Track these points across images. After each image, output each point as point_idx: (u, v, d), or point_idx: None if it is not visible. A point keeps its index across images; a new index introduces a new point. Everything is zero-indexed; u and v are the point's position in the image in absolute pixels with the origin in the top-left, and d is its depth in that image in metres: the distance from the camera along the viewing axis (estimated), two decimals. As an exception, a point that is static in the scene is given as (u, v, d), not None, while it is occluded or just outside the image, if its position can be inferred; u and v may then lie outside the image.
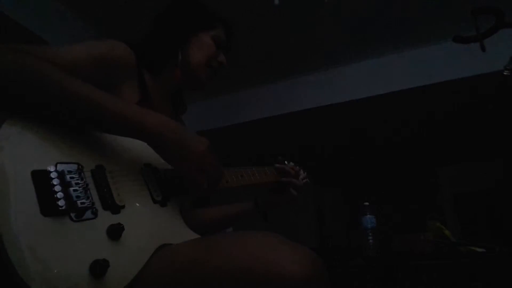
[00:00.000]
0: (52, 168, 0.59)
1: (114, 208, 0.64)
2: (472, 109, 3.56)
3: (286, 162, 1.22)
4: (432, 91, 3.08)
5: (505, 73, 1.42)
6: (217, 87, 3.36)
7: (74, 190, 0.60)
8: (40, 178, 0.57)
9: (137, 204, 0.69)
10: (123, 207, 0.65)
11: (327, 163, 4.90)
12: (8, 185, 0.54)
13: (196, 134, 0.74)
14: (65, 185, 0.59)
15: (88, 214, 0.60)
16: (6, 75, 0.60)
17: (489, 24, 1.44)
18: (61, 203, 0.57)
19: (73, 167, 0.62)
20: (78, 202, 0.59)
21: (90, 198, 0.61)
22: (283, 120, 3.55)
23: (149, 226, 0.68)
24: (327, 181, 4.98)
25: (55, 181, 0.58)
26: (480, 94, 3.19)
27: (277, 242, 0.60)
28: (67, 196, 0.58)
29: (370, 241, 1.87)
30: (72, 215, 0.58)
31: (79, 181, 0.61)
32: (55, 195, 0.57)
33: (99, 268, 0.55)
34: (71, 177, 0.60)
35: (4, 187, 0.53)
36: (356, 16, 2.70)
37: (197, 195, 0.77)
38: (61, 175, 0.60)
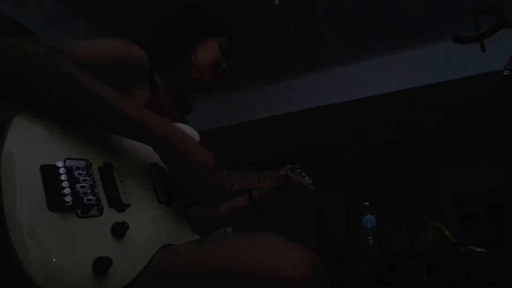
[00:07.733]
0: (60, 164, 0.59)
1: (120, 206, 0.64)
2: (472, 109, 3.56)
3: (290, 165, 1.25)
4: (432, 91, 3.08)
5: (505, 73, 1.42)
6: (217, 87, 3.35)
7: (82, 187, 0.60)
8: (49, 173, 0.57)
9: (143, 203, 0.69)
10: (128, 205, 0.66)
11: (327, 163, 4.90)
12: (16, 177, 0.54)
13: (203, 148, 0.74)
14: (72, 181, 0.59)
15: (94, 211, 0.60)
16: (21, 67, 0.59)
17: (489, 24, 1.44)
18: (68, 199, 0.57)
19: (82, 163, 0.62)
20: (85, 198, 0.59)
21: (97, 195, 0.61)
22: (283, 120, 3.55)
23: (153, 225, 0.69)
24: (327, 181, 4.97)
25: (63, 177, 0.58)
26: (480, 94, 3.19)
27: (278, 243, 0.60)
28: (74, 192, 0.58)
29: (370, 241, 1.87)
30: (78, 211, 0.58)
31: (86, 178, 0.61)
32: (63, 191, 0.57)
33: (101, 266, 0.55)
34: (79, 174, 0.61)
35: (13, 179, 0.53)
36: (356, 16, 2.70)
37: (196, 204, 0.76)
38: (69, 171, 0.60)
